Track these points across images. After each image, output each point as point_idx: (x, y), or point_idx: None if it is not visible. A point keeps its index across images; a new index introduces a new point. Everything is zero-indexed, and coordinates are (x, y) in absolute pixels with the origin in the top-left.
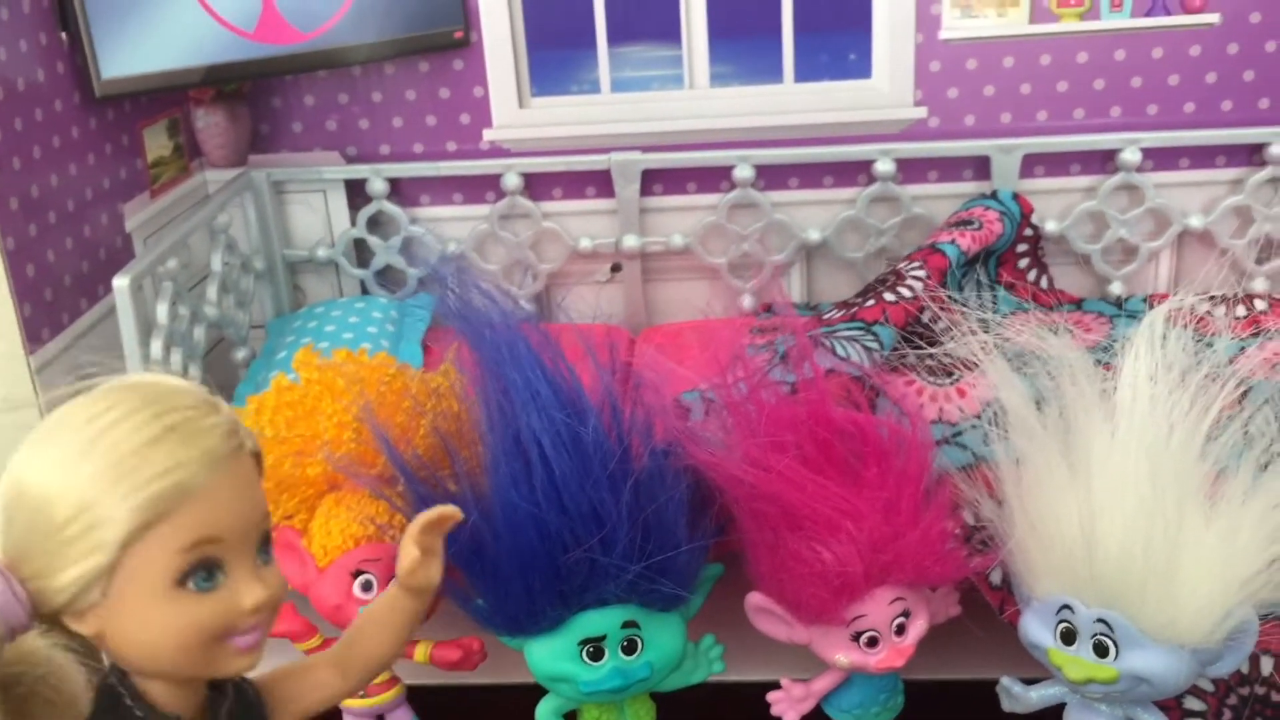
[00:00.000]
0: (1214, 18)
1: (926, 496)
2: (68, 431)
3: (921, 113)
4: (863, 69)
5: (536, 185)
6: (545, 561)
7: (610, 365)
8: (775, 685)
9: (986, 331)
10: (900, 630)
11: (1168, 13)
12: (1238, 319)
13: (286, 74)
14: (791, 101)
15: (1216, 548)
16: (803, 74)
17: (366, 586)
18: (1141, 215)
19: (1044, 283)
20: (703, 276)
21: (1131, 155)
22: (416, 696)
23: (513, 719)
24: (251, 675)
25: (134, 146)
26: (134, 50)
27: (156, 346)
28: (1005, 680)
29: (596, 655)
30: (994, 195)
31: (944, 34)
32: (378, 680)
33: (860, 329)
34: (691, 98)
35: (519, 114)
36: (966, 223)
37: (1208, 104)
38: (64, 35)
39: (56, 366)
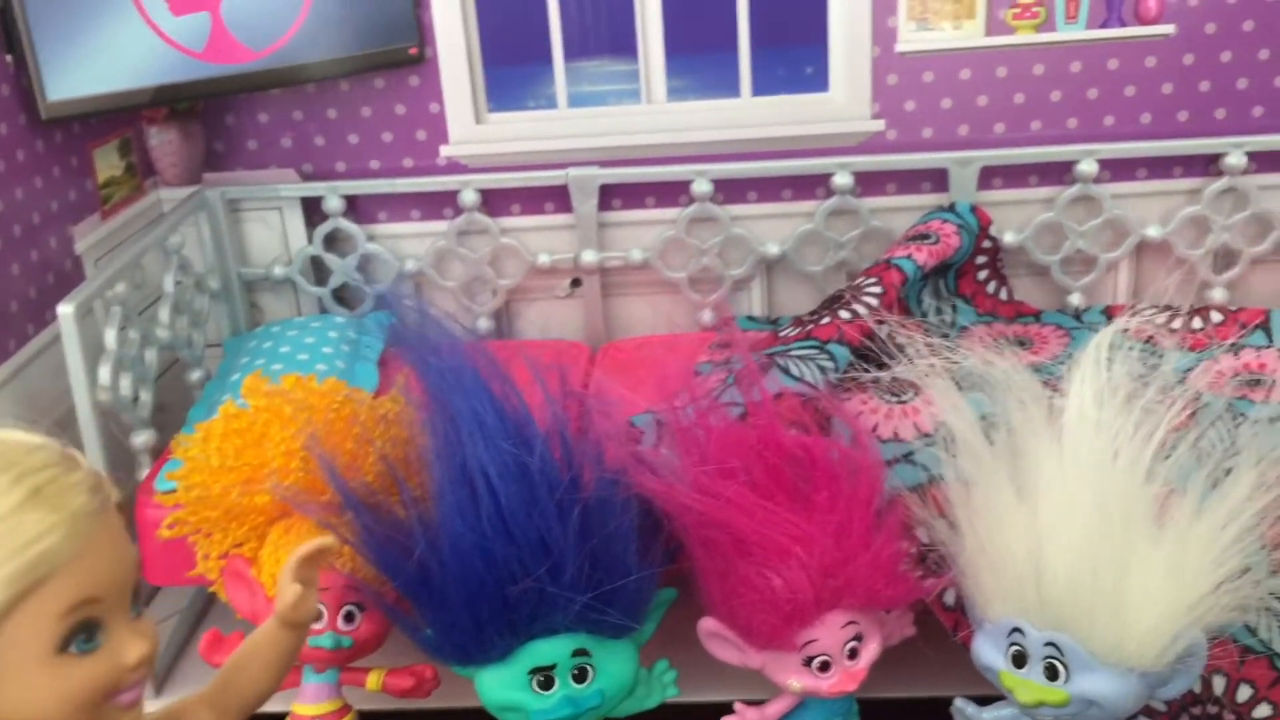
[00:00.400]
0: (1169, 29)
1: (878, 519)
2: None
3: (879, 125)
4: (820, 82)
5: (494, 201)
6: (493, 591)
7: (560, 391)
8: (729, 708)
9: (935, 353)
10: (853, 654)
11: (1123, 24)
12: (1192, 331)
13: (238, 93)
14: (749, 115)
15: (1164, 571)
16: (760, 88)
17: (316, 616)
18: (1099, 226)
19: (1003, 294)
20: (662, 291)
21: (1089, 166)
22: None
23: None
24: None
25: (84, 167)
26: (81, 71)
27: (104, 372)
28: (959, 701)
29: (547, 684)
30: (952, 208)
31: (900, 46)
32: (330, 709)
33: (815, 348)
34: (649, 112)
35: (476, 130)
36: (923, 237)
37: (1164, 115)
38: (9, 58)
39: (4, 395)
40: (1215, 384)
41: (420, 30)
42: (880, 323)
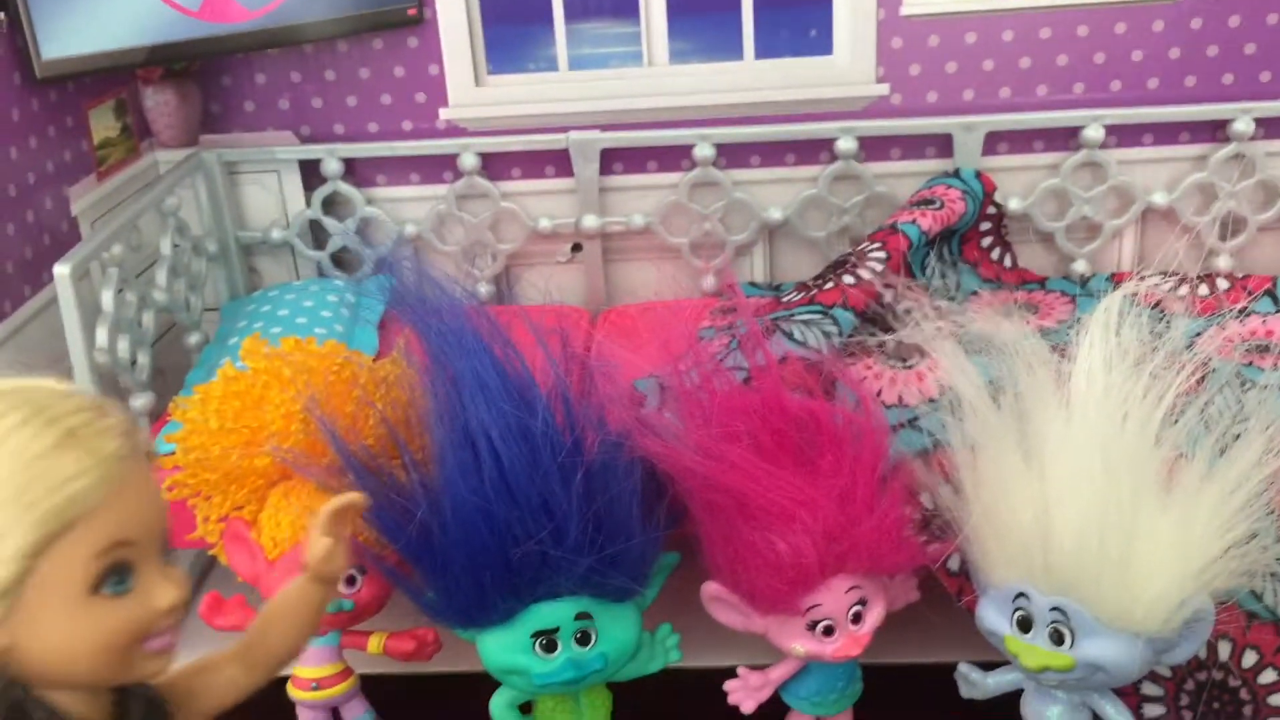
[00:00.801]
0: None
1: (882, 484)
2: None
3: (883, 90)
4: (824, 45)
5: (494, 165)
6: (495, 554)
7: (562, 354)
8: (732, 673)
9: (942, 317)
10: (857, 619)
11: None
12: (1199, 298)
13: (234, 53)
14: (752, 79)
15: (1172, 536)
16: (763, 50)
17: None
18: (1105, 193)
19: (1007, 261)
20: (664, 256)
21: (1095, 132)
22: (370, 687)
23: (468, 708)
24: None
25: (79, 128)
26: (75, 30)
27: (101, 334)
28: (963, 666)
29: (550, 647)
30: (956, 173)
31: (906, 10)
32: (331, 672)
33: (819, 312)
34: (651, 75)
35: (475, 92)
36: (928, 202)
37: (1171, 80)
38: (2, 16)
39: (1, 357)
40: (1224, 350)
41: None
42: (887, 286)
